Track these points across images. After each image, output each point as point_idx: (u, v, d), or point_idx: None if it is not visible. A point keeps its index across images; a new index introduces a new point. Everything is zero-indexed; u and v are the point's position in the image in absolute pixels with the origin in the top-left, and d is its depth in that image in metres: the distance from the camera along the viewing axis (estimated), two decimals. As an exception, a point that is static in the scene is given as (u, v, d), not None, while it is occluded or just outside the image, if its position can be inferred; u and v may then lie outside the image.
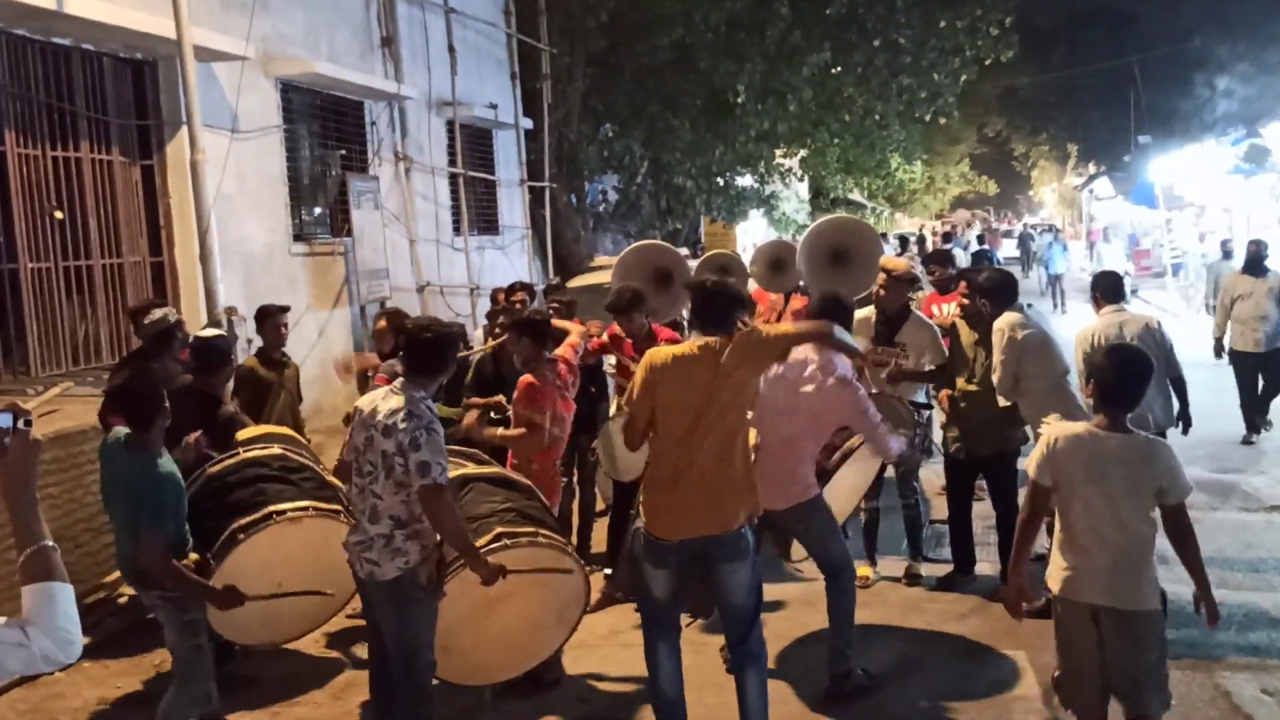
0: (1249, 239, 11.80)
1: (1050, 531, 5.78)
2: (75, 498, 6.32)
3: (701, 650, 5.70)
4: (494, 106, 14.51)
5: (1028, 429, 6.21)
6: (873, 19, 18.90)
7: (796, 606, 5.78)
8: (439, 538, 4.36)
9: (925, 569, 6.77)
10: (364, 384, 6.94)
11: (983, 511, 6.87)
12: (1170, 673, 5.17)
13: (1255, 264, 10.32)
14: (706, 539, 4.39)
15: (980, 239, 31.55)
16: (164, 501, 4.35)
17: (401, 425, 4.13)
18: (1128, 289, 20.59)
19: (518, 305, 8.31)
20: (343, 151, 11.46)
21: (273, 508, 4.76)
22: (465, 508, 4.81)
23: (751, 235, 24.26)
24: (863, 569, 6.71)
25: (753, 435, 4.76)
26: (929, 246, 24.97)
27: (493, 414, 6.12)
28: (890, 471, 6.76)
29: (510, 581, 4.45)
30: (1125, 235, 29.06)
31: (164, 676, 5.21)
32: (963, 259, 17.34)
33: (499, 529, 4.65)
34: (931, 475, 8.89)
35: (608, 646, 5.72)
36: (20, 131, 7.46)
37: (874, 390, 6.49)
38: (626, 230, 19.77)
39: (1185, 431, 7.02)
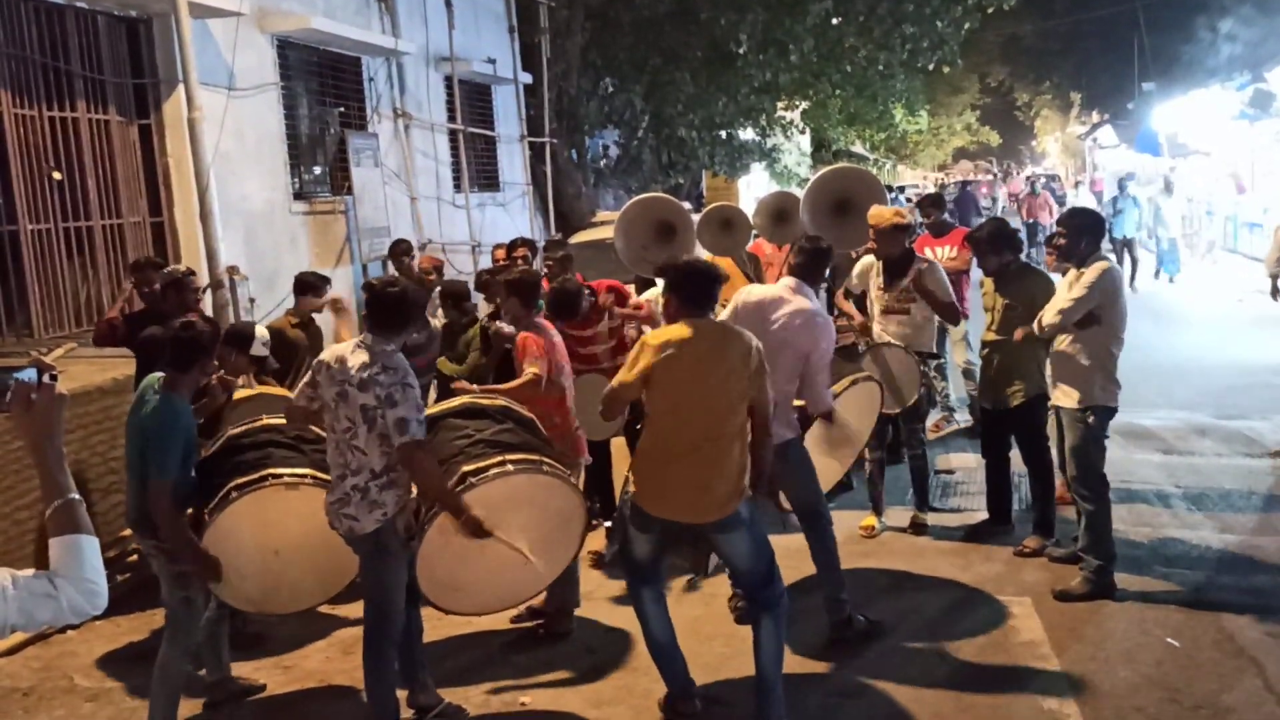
0: None
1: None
2: (82, 459, 6.35)
3: (710, 602, 5.75)
4: (492, 61, 14.40)
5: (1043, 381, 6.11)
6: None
7: (801, 557, 5.79)
8: (414, 489, 4.43)
9: (931, 518, 6.79)
10: None
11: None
12: (1174, 615, 5.30)
13: None
14: (693, 524, 4.46)
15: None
16: (171, 445, 4.41)
17: (380, 378, 4.17)
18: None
19: (519, 261, 8.29)
20: (341, 109, 11.39)
21: (270, 470, 4.75)
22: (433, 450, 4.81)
23: (754, 189, 24.15)
24: (868, 519, 6.75)
25: None
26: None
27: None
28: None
29: (498, 510, 4.45)
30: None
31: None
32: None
33: (464, 469, 4.62)
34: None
35: (616, 599, 5.76)
36: (16, 92, 7.41)
37: (887, 340, 6.50)
38: (628, 185, 19.66)
39: None
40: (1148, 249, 19.31)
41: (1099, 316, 5.53)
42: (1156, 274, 18.70)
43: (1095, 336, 5.56)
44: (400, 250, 9.50)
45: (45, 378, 2.31)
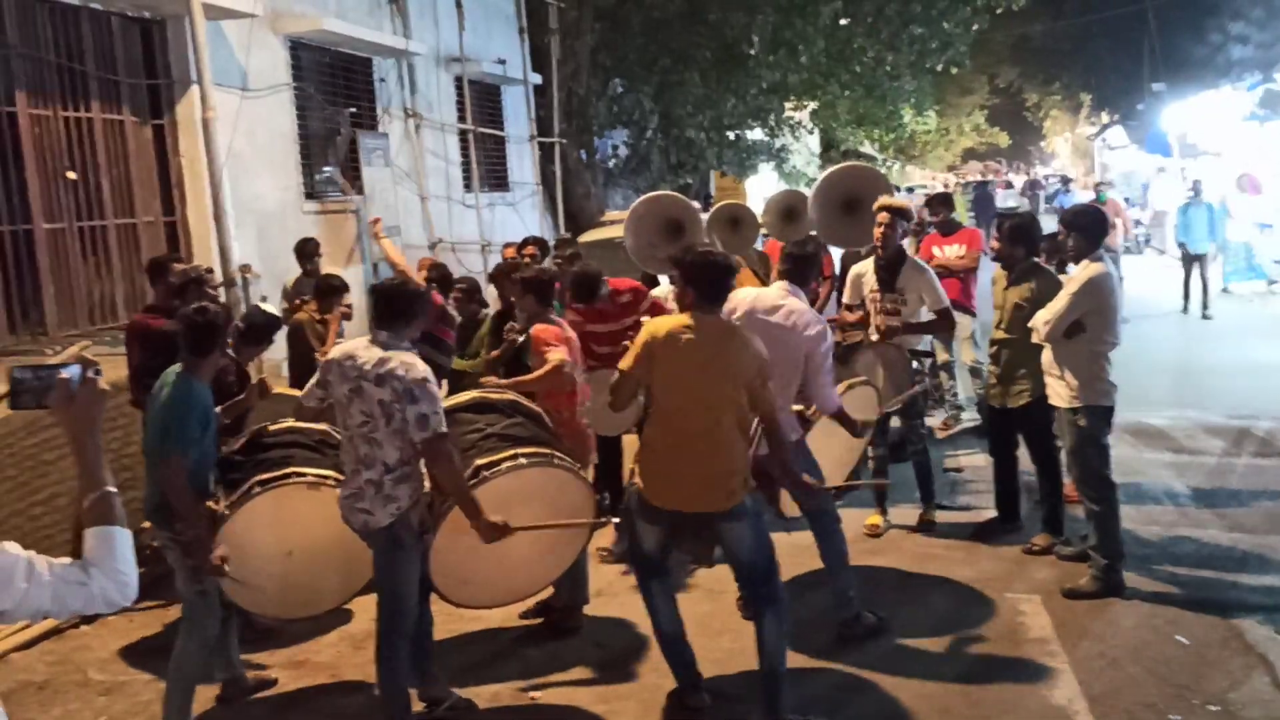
0: None
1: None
2: (96, 455, 6.39)
3: (718, 598, 5.77)
4: (502, 62, 14.42)
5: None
6: (884, -33, 18.66)
7: (806, 554, 5.81)
8: (427, 484, 4.45)
9: (939, 516, 6.80)
10: None
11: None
12: (1183, 613, 5.31)
13: None
14: (699, 514, 4.49)
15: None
16: (186, 419, 4.45)
17: (397, 373, 4.18)
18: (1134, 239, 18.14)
19: (528, 260, 8.32)
20: (352, 109, 11.42)
21: (293, 469, 4.79)
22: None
23: (762, 189, 24.14)
24: (873, 517, 6.76)
25: None
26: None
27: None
28: (897, 420, 6.78)
29: (508, 501, 4.47)
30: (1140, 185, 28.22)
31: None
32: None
33: (477, 462, 4.64)
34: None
35: (625, 595, 5.79)
36: (31, 92, 7.46)
37: (876, 337, 6.51)
38: (637, 185, 19.64)
39: None
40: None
41: (1083, 324, 5.58)
42: (1225, 289, 16.39)
43: (1080, 339, 5.61)
44: (310, 250, 8.60)
45: (89, 373, 2.36)
